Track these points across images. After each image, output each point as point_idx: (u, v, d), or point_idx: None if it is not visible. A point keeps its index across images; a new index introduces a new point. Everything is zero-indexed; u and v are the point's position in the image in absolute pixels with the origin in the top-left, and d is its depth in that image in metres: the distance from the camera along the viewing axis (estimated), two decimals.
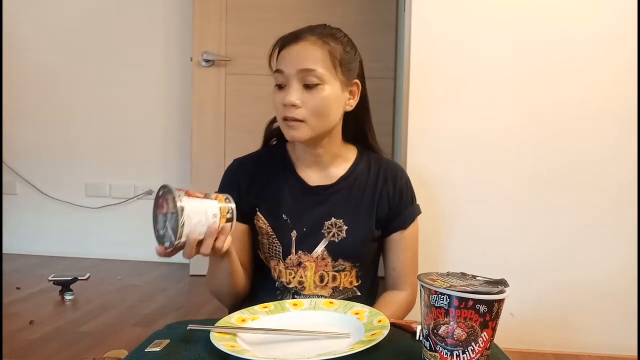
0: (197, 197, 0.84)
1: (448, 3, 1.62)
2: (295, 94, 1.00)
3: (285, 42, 1.04)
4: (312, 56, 1.00)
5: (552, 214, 1.65)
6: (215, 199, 0.87)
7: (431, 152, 1.65)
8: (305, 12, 2.64)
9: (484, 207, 1.66)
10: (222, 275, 1.01)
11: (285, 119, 1.01)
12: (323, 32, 1.04)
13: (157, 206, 0.85)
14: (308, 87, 1.00)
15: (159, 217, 0.85)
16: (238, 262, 1.03)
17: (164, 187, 0.84)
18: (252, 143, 1.20)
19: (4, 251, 2.83)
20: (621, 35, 1.59)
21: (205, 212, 0.84)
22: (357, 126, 1.14)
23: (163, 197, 0.84)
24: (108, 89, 3.04)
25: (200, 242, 0.84)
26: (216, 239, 0.86)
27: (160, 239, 0.84)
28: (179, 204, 0.80)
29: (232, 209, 0.87)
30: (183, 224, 0.80)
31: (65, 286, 2.36)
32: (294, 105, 0.99)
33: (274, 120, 1.17)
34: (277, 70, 1.02)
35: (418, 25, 1.63)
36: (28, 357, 1.74)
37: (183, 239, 0.81)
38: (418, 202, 1.17)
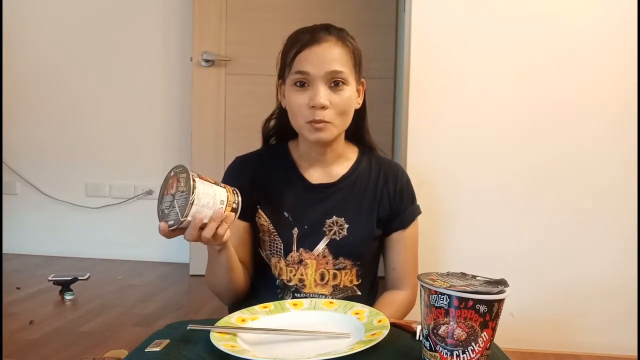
0: (209, 182, 0.87)
1: (448, 3, 1.62)
2: (324, 95, 1.00)
3: (304, 43, 1.02)
4: (338, 57, 1.01)
5: (553, 214, 1.65)
6: (224, 188, 0.90)
7: (431, 152, 1.65)
8: (305, 12, 2.64)
9: (484, 207, 1.66)
10: (220, 271, 1.01)
11: (313, 121, 1.00)
12: (338, 33, 1.05)
13: (165, 186, 0.88)
14: (333, 87, 1.01)
15: (166, 197, 0.87)
16: (236, 258, 1.03)
17: (178, 166, 0.87)
18: (252, 143, 1.20)
19: (4, 251, 2.84)
20: (622, 29, 1.59)
21: (214, 197, 0.86)
22: (357, 125, 1.14)
23: (175, 177, 0.86)
24: (108, 89, 3.04)
25: (203, 227, 0.86)
26: (219, 225, 0.87)
27: (164, 217, 0.85)
28: (192, 182, 0.82)
29: (238, 201, 0.91)
30: (192, 203, 0.82)
31: (65, 286, 2.36)
32: (322, 107, 0.99)
33: (269, 119, 1.17)
34: (300, 72, 1.01)
35: (418, 25, 1.63)
36: (28, 357, 1.74)
37: (189, 218, 0.83)
38: (418, 201, 1.17)
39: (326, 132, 1.02)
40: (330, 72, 1.00)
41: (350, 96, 1.03)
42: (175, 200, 0.84)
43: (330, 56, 1.01)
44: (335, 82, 1.01)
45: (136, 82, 3.02)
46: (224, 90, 2.72)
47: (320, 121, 1.00)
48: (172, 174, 0.87)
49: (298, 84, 1.02)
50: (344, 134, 1.11)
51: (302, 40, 1.03)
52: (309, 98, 1.00)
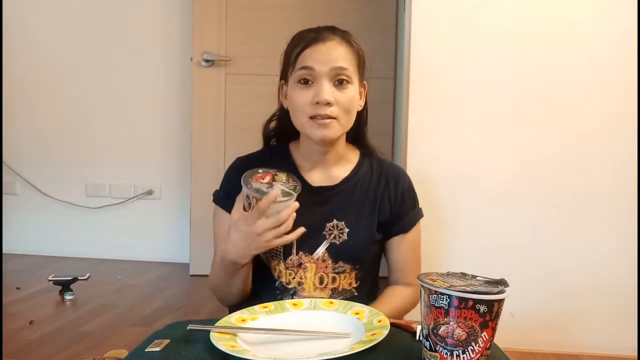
0: None
1: (448, 3, 1.62)
2: (329, 91, 1.00)
3: (309, 41, 1.02)
4: (343, 55, 1.02)
5: (553, 214, 1.65)
6: None
7: (431, 152, 1.66)
8: (306, 11, 2.63)
9: (483, 206, 1.66)
10: (237, 281, 1.04)
11: (316, 117, 1.00)
12: (342, 34, 1.05)
13: (254, 177, 1.00)
14: (337, 85, 1.01)
15: (260, 183, 0.98)
16: (251, 267, 1.06)
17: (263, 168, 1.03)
18: (253, 143, 1.20)
19: (4, 251, 2.83)
20: (622, 28, 1.60)
21: None
22: (358, 127, 1.14)
23: (264, 172, 1.01)
24: (108, 89, 3.04)
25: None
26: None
27: (259, 192, 0.95)
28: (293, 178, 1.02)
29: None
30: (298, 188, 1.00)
31: (65, 286, 2.36)
32: (327, 104, 0.99)
33: (269, 120, 1.17)
34: (305, 67, 1.01)
35: (418, 25, 1.63)
36: (28, 357, 1.74)
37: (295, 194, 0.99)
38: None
39: (331, 128, 1.01)
40: (335, 68, 1.00)
41: (354, 96, 1.03)
42: (275, 184, 0.98)
43: (335, 54, 1.01)
44: (339, 80, 1.01)
45: (136, 82, 3.02)
46: (224, 90, 2.72)
47: (326, 116, 1.00)
48: (261, 171, 1.01)
49: (302, 81, 1.02)
50: (345, 135, 1.10)
51: (306, 38, 1.03)
52: (312, 95, 1.00)
